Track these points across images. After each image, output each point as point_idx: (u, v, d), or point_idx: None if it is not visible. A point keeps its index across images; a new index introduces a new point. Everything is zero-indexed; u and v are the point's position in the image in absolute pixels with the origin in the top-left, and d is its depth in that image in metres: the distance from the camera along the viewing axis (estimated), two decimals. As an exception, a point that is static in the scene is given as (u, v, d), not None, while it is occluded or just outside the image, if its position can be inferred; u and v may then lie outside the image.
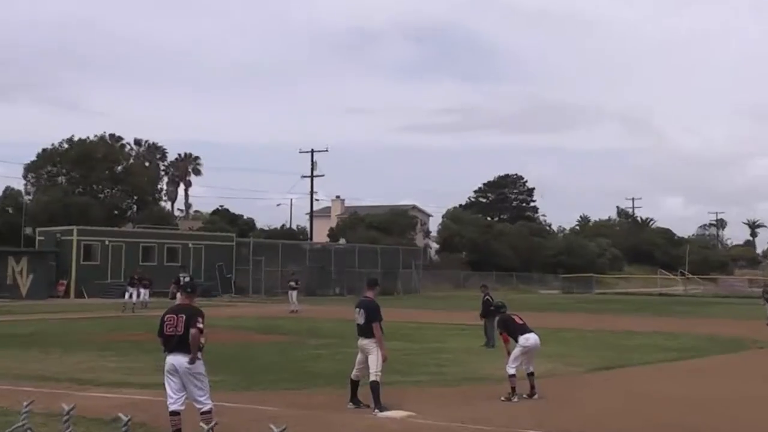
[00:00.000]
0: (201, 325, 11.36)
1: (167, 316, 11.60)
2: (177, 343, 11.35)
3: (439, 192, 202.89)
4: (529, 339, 16.14)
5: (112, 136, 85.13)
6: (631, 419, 13.94)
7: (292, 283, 45.47)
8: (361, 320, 14.43)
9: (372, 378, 14.15)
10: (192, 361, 11.29)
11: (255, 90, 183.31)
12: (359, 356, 14.64)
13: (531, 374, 16.26)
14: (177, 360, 11.33)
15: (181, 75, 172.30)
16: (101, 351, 23.15)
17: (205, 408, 11.21)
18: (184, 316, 11.40)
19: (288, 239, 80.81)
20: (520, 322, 16.47)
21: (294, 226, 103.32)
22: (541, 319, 38.90)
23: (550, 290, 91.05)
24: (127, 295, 43.72)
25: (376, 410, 13.84)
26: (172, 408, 11.34)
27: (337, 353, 23.39)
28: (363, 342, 14.44)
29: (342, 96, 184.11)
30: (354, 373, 14.71)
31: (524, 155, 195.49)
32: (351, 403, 14.62)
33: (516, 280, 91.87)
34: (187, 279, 31.71)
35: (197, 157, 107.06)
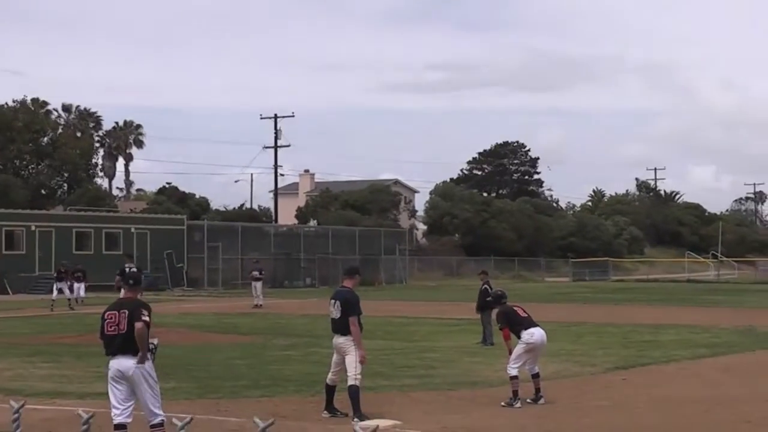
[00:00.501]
0: (147, 318, 11.43)
1: (107, 313, 11.67)
2: (121, 344, 11.42)
3: (426, 164, 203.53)
4: (534, 335, 16.30)
5: (34, 101, 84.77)
6: (651, 427, 14.16)
7: (256, 273, 45.69)
8: (336, 314, 14.60)
9: (350, 382, 14.33)
10: (141, 361, 11.36)
11: (207, 44, 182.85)
12: (335, 357, 14.81)
13: (536, 375, 16.47)
14: (122, 363, 11.42)
15: (117, 24, 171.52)
16: (29, 356, 23.22)
17: (157, 420, 11.29)
18: (127, 312, 11.44)
19: (249, 221, 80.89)
20: (524, 314, 16.65)
21: (255, 206, 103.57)
22: (548, 311, 39.26)
23: (558, 278, 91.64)
24: (55, 291, 43.77)
25: (356, 419, 14.00)
26: (117, 420, 11.42)
27: (309, 354, 23.59)
28: (339, 340, 14.60)
29: (311, 50, 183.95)
30: (330, 377, 14.88)
31: (527, 119, 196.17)
32: (326, 411, 14.81)
33: (519, 267, 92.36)
34: (134, 270, 31.75)
35: (139, 126, 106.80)
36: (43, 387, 17.54)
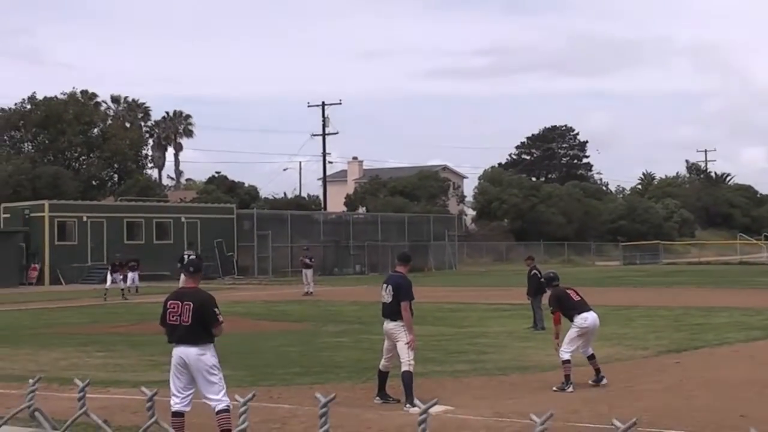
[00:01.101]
0: (221, 319, 11.52)
1: (170, 302, 11.70)
2: (183, 334, 11.42)
3: (474, 149, 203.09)
4: (587, 319, 16.35)
5: (83, 93, 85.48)
6: (706, 410, 14.06)
7: (306, 260, 45.77)
8: (388, 298, 14.61)
9: (404, 368, 14.34)
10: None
11: (254, 33, 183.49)
12: (386, 343, 14.82)
13: (591, 357, 16.50)
14: (186, 352, 11.40)
15: (165, 17, 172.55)
16: (83, 345, 23.47)
17: (221, 406, 11.19)
18: (191, 305, 11.43)
19: (298, 210, 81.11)
20: (577, 298, 16.67)
21: (304, 194, 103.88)
22: (598, 295, 39.01)
23: (608, 261, 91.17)
24: (109, 280, 44.09)
25: (408, 405, 14.03)
26: (176, 408, 11.41)
27: (359, 341, 23.66)
28: (389, 326, 14.60)
29: (357, 37, 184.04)
30: (382, 363, 14.90)
31: (574, 102, 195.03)
32: (378, 398, 14.84)
33: (568, 251, 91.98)
34: (193, 257, 32.06)
35: (188, 116, 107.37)
36: (97, 376, 17.69)
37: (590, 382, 16.17)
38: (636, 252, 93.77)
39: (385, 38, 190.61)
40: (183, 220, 65.90)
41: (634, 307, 33.91)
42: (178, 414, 11.40)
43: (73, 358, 20.87)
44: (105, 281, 44.81)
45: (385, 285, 14.79)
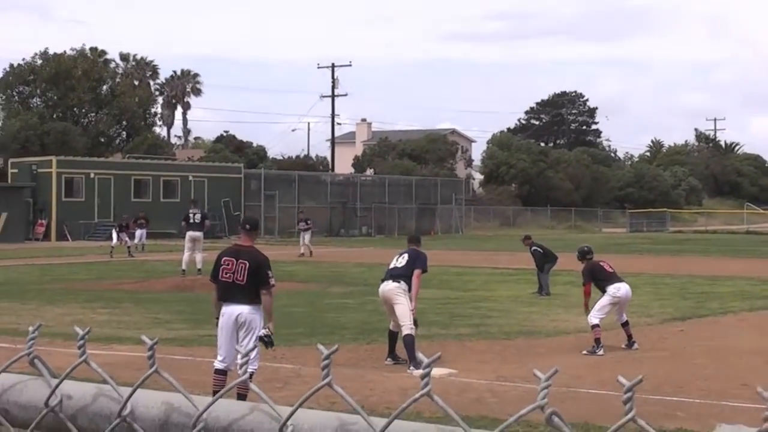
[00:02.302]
0: (274, 282, 11.36)
1: (224, 258, 11.46)
2: (236, 293, 11.24)
3: (483, 114, 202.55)
4: (620, 289, 16.90)
5: (93, 50, 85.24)
6: (710, 377, 14.05)
7: (302, 224, 45.58)
8: (402, 262, 14.83)
9: (405, 331, 14.41)
10: (267, 331, 11.35)
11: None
12: (385, 307, 14.91)
13: (625, 324, 16.97)
14: (239, 309, 11.21)
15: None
16: (89, 302, 23.54)
17: (251, 368, 11.00)
18: (248, 264, 11.23)
19: (306, 170, 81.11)
20: (610, 270, 17.24)
21: (313, 155, 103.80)
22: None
23: (615, 228, 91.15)
24: (115, 238, 44.11)
25: (411, 367, 14.05)
26: (220, 366, 11.33)
27: (365, 303, 23.65)
28: (389, 286, 14.68)
29: (370, 0, 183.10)
30: (392, 325, 14.94)
31: (585, 69, 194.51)
32: (389, 359, 14.90)
33: (575, 217, 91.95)
34: (198, 215, 32.16)
35: (196, 75, 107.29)
36: (102, 332, 17.72)
37: (623, 346, 16.75)
38: (643, 219, 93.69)
39: (398, 1, 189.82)
40: (190, 178, 65.87)
41: (640, 274, 33.80)
42: (221, 372, 11.31)
43: (78, 315, 20.91)
44: (111, 239, 44.83)
45: (401, 253, 15.09)
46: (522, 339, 17.94)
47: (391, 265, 14.96)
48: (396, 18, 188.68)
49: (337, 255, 45.42)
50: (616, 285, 16.78)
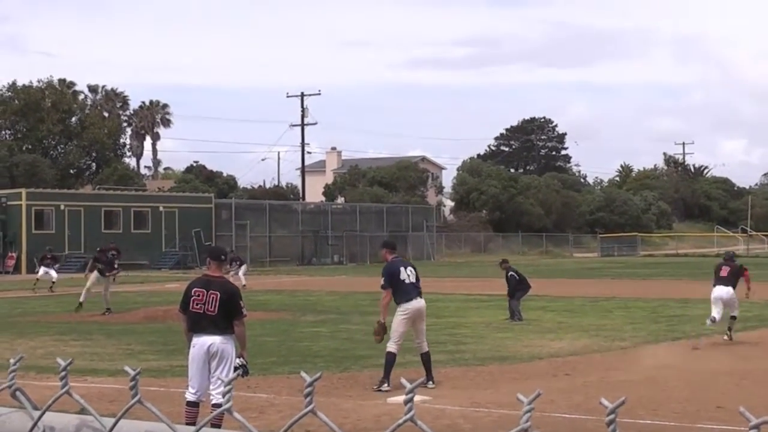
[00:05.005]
0: (246, 312, 11.40)
1: (195, 289, 11.38)
2: (207, 325, 11.19)
3: (453, 140, 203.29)
4: (714, 291, 21.47)
5: (62, 81, 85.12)
6: (684, 400, 14.12)
7: (235, 264, 43.74)
8: (413, 278, 15.32)
9: (426, 348, 15.48)
10: (240, 356, 11.40)
11: (233, 22, 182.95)
12: (407, 325, 15.35)
13: (732, 318, 21.58)
14: (209, 340, 11.17)
15: (145, 6, 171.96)
16: (61, 334, 23.40)
17: (221, 400, 10.90)
18: (219, 294, 11.17)
19: (276, 199, 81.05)
20: (723, 275, 21.65)
21: (283, 184, 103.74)
22: (577, 286, 39.18)
23: (587, 253, 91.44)
24: (41, 271, 41.92)
25: (431, 382, 14.97)
26: (192, 398, 11.27)
27: (338, 331, 23.64)
28: (421, 304, 15.35)
29: (337, 27, 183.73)
30: (396, 347, 15.30)
31: (555, 94, 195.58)
32: (431, 381, 15.26)
33: (547, 243, 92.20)
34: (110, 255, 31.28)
35: (165, 105, 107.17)
36: (75, 365, 17.60)
37: (724, 337, 21.14)
38: (614, 244, 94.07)
39: (366, 28, 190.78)
40: (161, 209, 65.68)
41: (612, 298, 34.00)
42: (193, 404, 11.23)
43: (50, 347, 20.78)
44: (45, 272, 41.95)
45: (403, 267, 15.39)
46: (496, 365, 17.97)
47: (406, 280, 15.17)
48: (364, 45, 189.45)
49: (310, 283, 45.35)
50: (714, 287, 21.63)
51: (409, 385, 1.65)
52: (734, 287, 21.49)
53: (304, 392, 1.86)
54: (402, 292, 15.07)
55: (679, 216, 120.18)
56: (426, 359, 15.35)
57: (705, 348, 20.33)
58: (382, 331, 15.32)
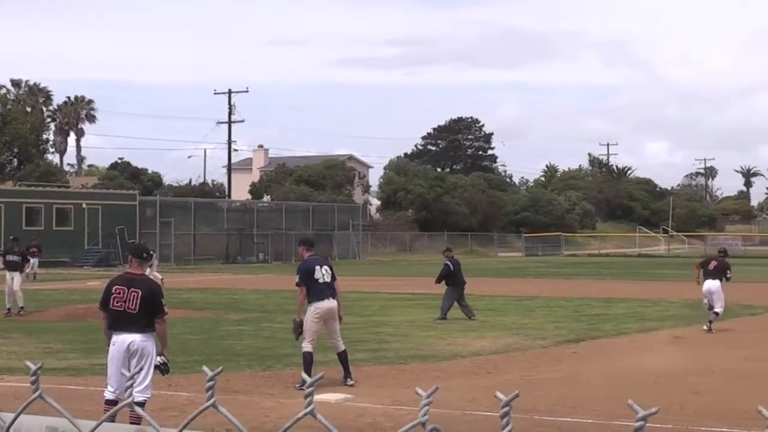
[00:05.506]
0: (167, 310, 11.36)
1: (115, 287, 11.26)
2: (127, 323, 11.10)
3: (381, 140, 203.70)
4: (705, 284, 23.86)
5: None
6: (601, 399, 14.28)
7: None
8: (328, 278, 15.22)
9: (342, 347, 15.44)
10: (163, 359, 11.34)
11: (161, 18, 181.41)
12: (318, 324, 15.29)
13: (716, 314, 23.44)
14: (129, 338, 11.09)
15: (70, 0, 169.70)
16: (-21, 332, 23.02)
17: (141, 398, 10.84)
18: (140, 292, 11.09)
19: (202, 197, 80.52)
20: (710, 268, 24.02)
21: (209, 182, 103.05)
22: (501, 285, 39.43)
23: (511, 252, 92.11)
24: None
25: (349, 379, 15.05)
26: (110, 396, 11.16)
27: (261, 329, 23.57)
28: (333, 304, 15.26)
29: (267, 25, 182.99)
30: (311, 346, 15.23)
31: (484, 95, 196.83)
32: (350, 378, 15.42)
33: (472, 242, 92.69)
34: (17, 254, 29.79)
35: (90, 101, 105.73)
36: (-8, 363, 17.40)
37: (705, 327, 23.05)
38: (538, 243, 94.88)
39: (296, 26, 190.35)
40: (84, 206, 64.88)
41: (535, 297, 34.30)
42: (112, 402, 11.03)
43: (-33, 346, 20.44)
44: None
45: (318, 266, 15.23)
46: (418, 363, 18.03)
47: (320, 279, 15.09)
48: (294, 43, 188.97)
49: (234, 282, 45.14)
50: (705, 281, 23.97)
51: (309, 380, 1.67)
52: (721, 281, 23.88)
53: (205, 386, 1.87)
54: (315, 291, 15.06)
55: (602, 216, 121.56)
56: (343, 358, 15.38)
57: (625, 347, 20.61)
58: (299, 328, 15.34)
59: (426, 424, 1.59)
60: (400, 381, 15.90)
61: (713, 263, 24.38)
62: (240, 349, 19.95)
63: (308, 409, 1.78)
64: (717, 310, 23.55)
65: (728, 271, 24.17)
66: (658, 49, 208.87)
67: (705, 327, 23.18)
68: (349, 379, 15.19)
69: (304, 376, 14.83)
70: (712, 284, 23.77)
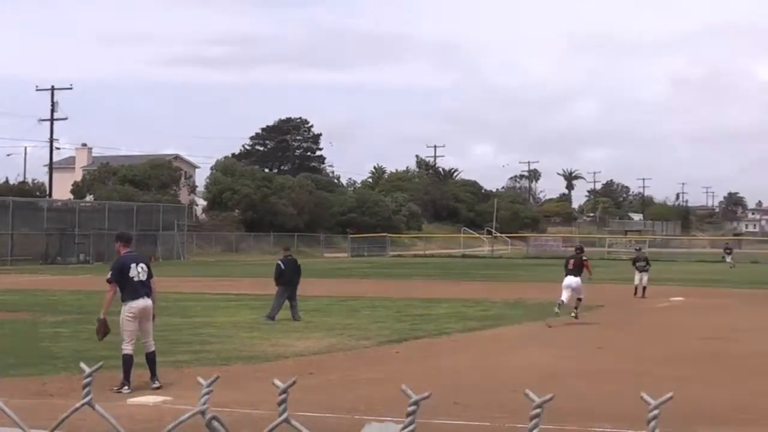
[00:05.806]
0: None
1: None
2: None
3: (209, 139, 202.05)
4: (565, 280, 26.01)
5: None
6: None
7: None
8: (143, 276, 15.05)
9: (152, 348, 15.23)
10: None
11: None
12: (135, 324, 15.08)
13: (579, 299, 26.02)
14: None
15: None
16: None
17: None
18: None
19: (21, 196, 78.30)
20: (570, 267, 26.21)
21: (29, 181, 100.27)
22: (326, 286, 39.50)
23: (338, 253, 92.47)
24: None
25: (156, 382, 14.82)
26: None
27: (79, 331, 23.01)
28: (148, 303, 15.10)
29: (91, 20, 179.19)
30: (132, 348, 15.06)
31: (313, 95, 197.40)
32: (157, 381, 15.17)
33: (298, 242, 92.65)
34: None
35: None
36: None
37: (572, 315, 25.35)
38: (364, 244, 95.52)
39: (123, 23, 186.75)
40: None
41: (359, 298, 34.49)
42: None
43: None
44: None
45: (134, 263, 15.01)
46: (241, 364, 17.90)
47: (135, 278, 14.85)
48: (122, 41, 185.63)
49: (52, 283, 44.00)
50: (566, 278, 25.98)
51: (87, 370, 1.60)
52: (579, 275, 26.34)
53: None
54: (130, 289, 14.84)
55: (428, 217, 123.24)
56: (151, 359, 15.13)
57: (446, 346, 20.90)
58: (104, 328, 15.12)
59: (205, 412, 1.55)
60: (222, 382, 15.61)
61: (572, 261, 26.79)
62: (57, 352, 19.47)
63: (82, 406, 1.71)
64: (580, 296, 26.19)
65: (587, 270, 26.99)
66: (485, 53, 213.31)
67: (573, 314, 25.74)
68: (156, 382, 14.97)
69: (123, 378, 14.61)
70: (572, 280, 26.21)
